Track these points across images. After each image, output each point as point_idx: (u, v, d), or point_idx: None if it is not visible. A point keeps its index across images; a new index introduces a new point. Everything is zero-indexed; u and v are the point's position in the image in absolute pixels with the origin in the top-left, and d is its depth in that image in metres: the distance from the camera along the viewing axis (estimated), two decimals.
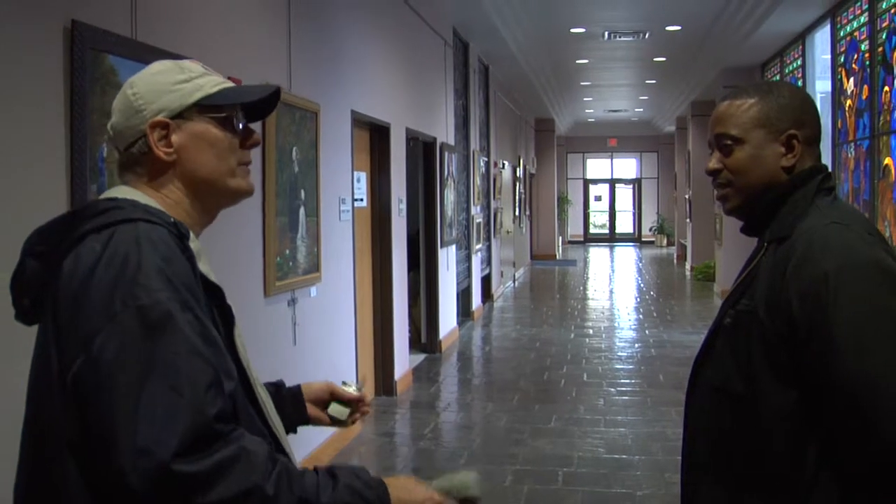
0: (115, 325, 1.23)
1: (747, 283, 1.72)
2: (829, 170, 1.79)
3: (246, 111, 1.54)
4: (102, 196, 1.44)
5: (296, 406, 1.79)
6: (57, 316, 1.30)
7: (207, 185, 1.48)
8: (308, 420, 1.82)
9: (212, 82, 1.49)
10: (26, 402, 1.37)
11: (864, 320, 1.52)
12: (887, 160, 7.18)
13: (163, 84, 1.45)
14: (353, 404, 1.84)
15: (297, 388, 1.82)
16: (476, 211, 11.77)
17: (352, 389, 1.83)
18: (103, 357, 1.23)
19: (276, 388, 1.76)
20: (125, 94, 1.46)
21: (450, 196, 9.75)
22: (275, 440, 1.45)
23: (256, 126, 4.63)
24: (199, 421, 1.22)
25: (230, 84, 1.52)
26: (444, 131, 9.52)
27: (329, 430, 5.54)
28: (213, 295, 1.41)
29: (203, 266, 1.40)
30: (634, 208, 30.08)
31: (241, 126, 1.52)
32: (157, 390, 1.21)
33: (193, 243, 1.40)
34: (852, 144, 8.28)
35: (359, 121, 6.41)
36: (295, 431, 1.77)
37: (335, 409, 1.83)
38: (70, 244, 1.33)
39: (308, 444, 5.15)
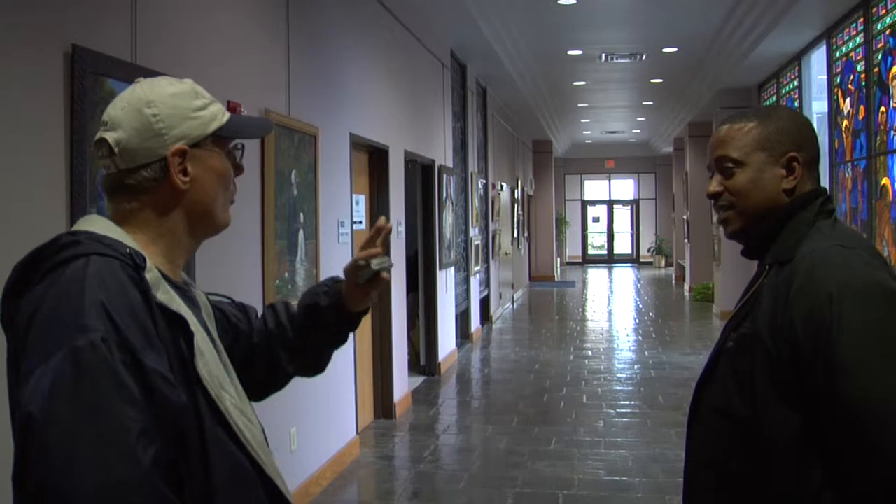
0: (48, 364, 1.21)
1: (749, 306, 1.71)
2: (829, 192, 1.79)
3: None
4: (73, 228, 1.43)
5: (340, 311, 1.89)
6: (16, 355, 1.30)
7: (207, 215, 1.48)
8: (359, 310, 1.89)
9: (221, 110, 1.49)
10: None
11: (869, 342, 1.52)
12: (884, 180, 7.20)
13: (183, 109, 1.43)
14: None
15: (338, 300, 1.91)
16: (474, 233, 11.77)
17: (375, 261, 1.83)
18: (35, 400, 1.20)
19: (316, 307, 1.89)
20: (143, 112, 1.41)
21: (448, 218, 9.75)
22: (255, 466, 1.41)
23: (256, 148, 4.64)
24: (130, 470, 1.20)
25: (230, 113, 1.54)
26: (442, 153, 9.54)
27: (326, 456, 5.52)
28: (176, 324, 1.36)
29: (162, 295, 1.36)
30: (632, 229, 30.13)
31: (240, 157, 1.52)
32: (84, 436, 1.19)
33: (150, 273, 1.36)
34: (849, 165, 8.30)
35: (357, 143, 6.42)
36: (355, 327, 1.89)
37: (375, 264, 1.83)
38: (34, 283, 1.31)
39: (307, 468, 5.13)
